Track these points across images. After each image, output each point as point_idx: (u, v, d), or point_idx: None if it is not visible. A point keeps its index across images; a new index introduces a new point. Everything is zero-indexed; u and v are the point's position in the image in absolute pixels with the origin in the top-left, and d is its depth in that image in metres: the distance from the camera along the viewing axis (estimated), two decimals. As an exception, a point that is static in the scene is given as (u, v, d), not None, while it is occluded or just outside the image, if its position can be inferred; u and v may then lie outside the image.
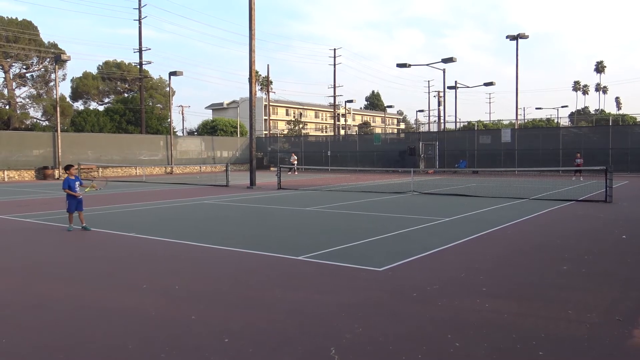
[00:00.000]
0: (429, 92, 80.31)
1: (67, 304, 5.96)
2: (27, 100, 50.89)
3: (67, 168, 11.94)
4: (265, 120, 78.58)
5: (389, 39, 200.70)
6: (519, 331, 4.85)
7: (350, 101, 70.15)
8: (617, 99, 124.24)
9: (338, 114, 71.80)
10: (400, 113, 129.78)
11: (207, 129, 58.04)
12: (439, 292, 6.26)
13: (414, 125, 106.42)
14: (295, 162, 40.33)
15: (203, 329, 4.99)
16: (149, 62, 48.35)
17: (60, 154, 35.33)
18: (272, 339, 4.74)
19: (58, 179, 34.34)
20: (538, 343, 4.54)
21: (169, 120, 49.27)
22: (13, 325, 5.25)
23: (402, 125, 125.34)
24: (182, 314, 5.50)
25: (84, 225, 11.39)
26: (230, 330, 4.95)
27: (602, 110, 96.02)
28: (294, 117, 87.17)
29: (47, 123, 50.53)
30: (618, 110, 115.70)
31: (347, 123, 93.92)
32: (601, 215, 13.27)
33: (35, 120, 51.44)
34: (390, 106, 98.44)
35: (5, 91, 48.37)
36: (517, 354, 4.34)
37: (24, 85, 50.68)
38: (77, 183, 11.65)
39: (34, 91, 50.94)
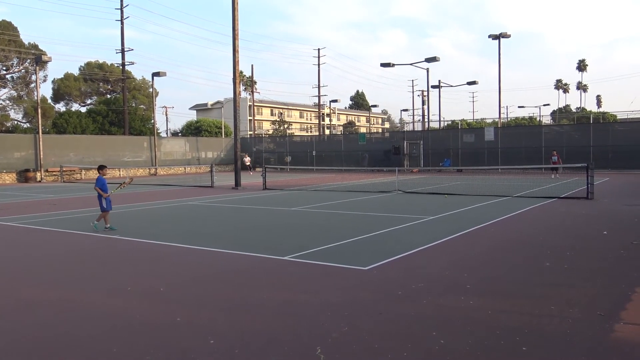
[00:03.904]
0: (412, 92, 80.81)
1: (50, 307, 5.89)
2: (8, 102, 50.19)
3: (101, 168, 12.00)
4: (250, 120, 78.34)
5: (373, 39, 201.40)
6: (503, 327, 4.91)
7: (335, 101, 70.32)
8: (597, 97, 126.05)
9: (323, 114, 71.89)
10: (384, 112, 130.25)
11: (191, 130, 57.69)
12: (423, 290, 6.30)
13: (399, 125, 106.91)
14: (249, 163, 41.39)
15: (188, 331, 4.97)
16: (132, 63, 47.94)
17: (42, 156, 34.86)
18: (258, 339, 4.74)
19: (40, 181, 33.91)
20: (522, 339, 4.60)
21: (153, 121, 48.90)
22: (-5, 330, 5.18)
23: (387, 125, 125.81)
24: (167, 315, 5.47)
25: (96, 222, 11.56)
26: (216, 332, 4.94)
27: (583, 109, 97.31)
28: (279, 117, 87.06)
29: (28, 125, 49.82)
30: (598, 108, 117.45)
31: (332, 123, 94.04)
32: (583, 211, 13.45)
33: (16, 122, 50.72)
34: (374, 105, 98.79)
35: (-15, 93, 47.63)
36: (501, 350, 4.39)
37: (4, 87, 49.94)
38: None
39: (14, 93, 50.21)
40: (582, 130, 37.84)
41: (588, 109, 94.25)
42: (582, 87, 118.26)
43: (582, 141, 35.23)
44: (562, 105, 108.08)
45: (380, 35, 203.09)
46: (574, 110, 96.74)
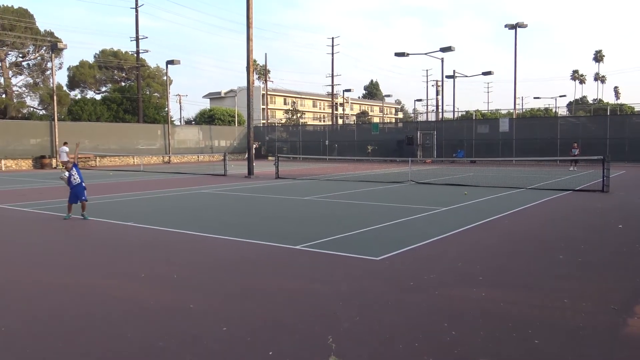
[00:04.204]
0: (427, 82, 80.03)
1: (65, 293, 5.98)
2: (24, 89, 50.58)
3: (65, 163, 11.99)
4: (263, 109, 78.36)
5: (386, 28, 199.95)
6: (515, 320, 4.89)
7: (348, 90, 70.10)
8: (615, 89, 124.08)
9: (336, 103, 71.67)
10: (398, 102, 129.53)
11: (205, 118, 57.82)
12: (435, 281, 6.29)
13: (412, 115, 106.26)
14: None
15: (201, 318, 5.02)
16: (146, 51, 48.07)
17: (57, 143, 35.19)
18: (269, 327, 4.77)
19: (55, 168, 34.27)
20: (534, 331, 4.58)
21: (167, 109, 49.13)
22: (11, 313, 5.27)
23: (400, 115, 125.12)
24: (180, 302, 5.52)
25: (82, 213, 11.43)
26: (228, 319, 4.98)
27: (600, 100, 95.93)
28: (292, 106, 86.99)
29: (44, 112, 50.28)
30: (617, 99, 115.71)
31: (345, 112, 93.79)
32: (598, 205, 13.31)
33: (32, 109, 51.19)
34: (388, 95, 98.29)
35: (2, 80, 48.09)
36: (513, 343, 4.38)
37: (21, 74, 50.36)
38: (74, 171, 11.59)
39: (30, 80, 50.61)
40: (598, 122, 37.33)
41: (605, 101, 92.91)
42: (599, 78, 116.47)
43: (598, 133, 34.76)
44: (578, 96, 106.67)
45: (393, 24, 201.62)
46: (591, 102, 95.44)
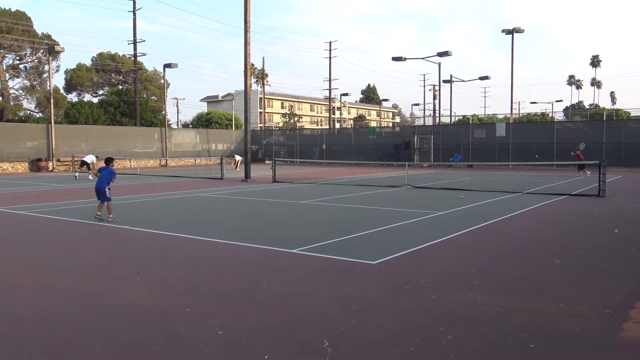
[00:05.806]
0: (424, 86, 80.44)
1: (60, 297, 5.96)
2: (21, 91, 50.64)
3: (111, 161, 11.99)
4: (261, 113, 78.38)
5: (384, 33, 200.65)
6: (511, 324, 4.90)
7: (346, 94, 70.16)
8: (612, 94, 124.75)
9: (333, 107, 71.76)
10: (395, 106, 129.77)
11: (202, 122, 57.85)
12: (432, 285, 6.29)
13: (409, 119, 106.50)
14: (237, 161, 35.74)
15: (197, 322, 5.01)
16: (144, 54, 48.12)
17: (54, 146, 35.13)
18: (266, 331, 4.76)
19: (52, 171, 34.20)
20: (529, 336, 4.58)
21: (164, 112, 49.13)
22: (9, 317, 5.25)
23: (398, 119, 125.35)
24: (176, 306, 5.51)
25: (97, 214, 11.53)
26: (224, 323, 4.97)
27: (597, 105, 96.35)
28: (289, 110, 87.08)
29: (41, 115, 50.27)
30: (613, 105, 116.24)
31: (343, 116, 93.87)
32: (594, 209, 13.34)
33: (28, 111, 51.19)
34: (385, 99, 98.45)
35: (-1, 82, 48.06)
36: (508, 347, 4.38)
37: (18, 77, 50.38)
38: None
39: (27, 82, 50.63)
40: (594, 127, 37.43)
41: (602, 106, 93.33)
42: (596, 83, 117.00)
43: (594, 138, 34.84)
44: (575, 101, 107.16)
45: (391, 29, 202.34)
46: (587, 107, 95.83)
